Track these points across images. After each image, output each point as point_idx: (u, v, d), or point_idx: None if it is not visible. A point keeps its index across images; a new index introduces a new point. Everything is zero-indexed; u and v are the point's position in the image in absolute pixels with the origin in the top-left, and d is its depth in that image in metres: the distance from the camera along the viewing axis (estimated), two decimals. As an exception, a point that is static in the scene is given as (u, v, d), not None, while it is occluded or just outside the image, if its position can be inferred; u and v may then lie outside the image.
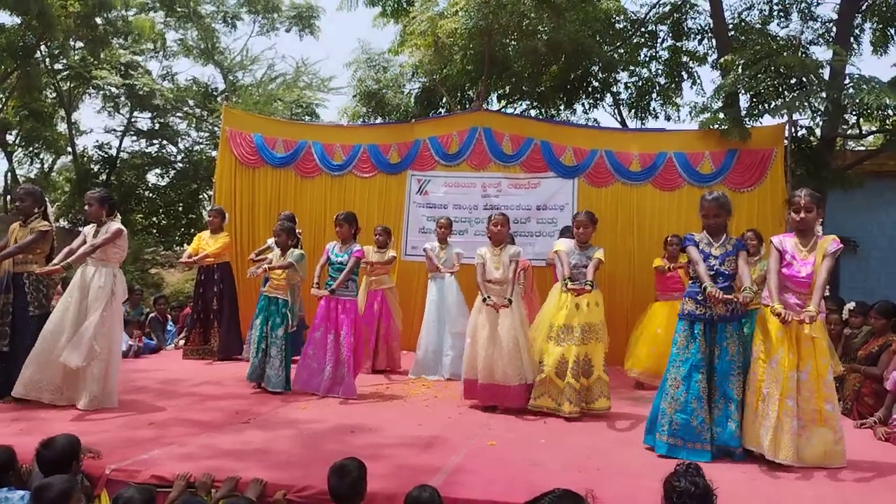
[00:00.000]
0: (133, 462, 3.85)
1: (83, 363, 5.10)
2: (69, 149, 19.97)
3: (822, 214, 4.33)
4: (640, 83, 12.81)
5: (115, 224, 5.42)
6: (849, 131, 10.68)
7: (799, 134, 9.30)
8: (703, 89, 12.57)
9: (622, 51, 12.32)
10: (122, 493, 3.10)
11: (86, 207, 5.51)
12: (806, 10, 11.04)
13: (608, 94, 12.96)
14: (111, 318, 5.32)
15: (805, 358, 4.15)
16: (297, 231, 6.49)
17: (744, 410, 4.35)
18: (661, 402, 4.44)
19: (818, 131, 9.69)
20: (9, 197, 21.29)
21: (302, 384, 6.17)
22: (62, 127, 20.20)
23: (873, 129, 11.45)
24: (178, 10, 18.28)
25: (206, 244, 8.01)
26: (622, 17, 12.34)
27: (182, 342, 8.91)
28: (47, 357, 5.13)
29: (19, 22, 15.59)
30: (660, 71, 12.72)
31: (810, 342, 4.15)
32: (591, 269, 5.40)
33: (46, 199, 5.77)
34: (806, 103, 8.48)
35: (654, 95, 12.90)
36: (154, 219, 20.10)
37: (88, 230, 5.51)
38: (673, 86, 12.65)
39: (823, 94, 8.37)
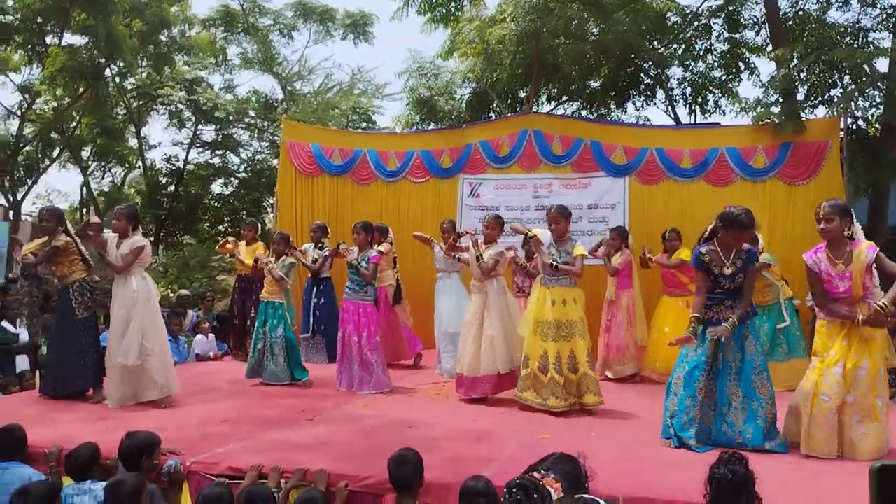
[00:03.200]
0: (210, 455, 4.16)
1: (138, 360, 5.64)
2: (139, 162, 21.00)
3: (848, 223, 4.28)
4: (694, 78, 12.70)
5: (140, 240, 5.91)
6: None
7: (856, 125, 9.12)
8: (761, 80, 12.36)
9: (675, 46, 12.25)
10: (209, 492, 3.40)
11: (114, 221, 5.97)
12: (865, -4, 10.78)
13: (660, 91, 12.90)
14: (153, 316, 5.88)
15: (861, 355, 4.20)
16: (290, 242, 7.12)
17: (796, 416, 4.39)
18: (666, 401, 4.60)
19: (875, 121, 9.48)
20: (84, 209, 22.55)
21: (346, 385, 6.55)
22: (132, 142, 21.27)
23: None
24: (238, 25, 18.99)
25: (241, 253, 8.48)
26: (674, 11, 12.26)
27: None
28: (112, 366, 5.75)
29: (86, 42, 16.51)
30: (715, 64, 12.58)
31: (865, 340, 4.20)
32: (578, 263, 5.50)
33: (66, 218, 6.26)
34: (861, 96, 8.34)
35: (710, 89, 12.77)
36: (220, 227, 20.90)
37: (111, 238, 5.96)
38: (731, 78, 12.51)
39: (880, 84, 8.21)
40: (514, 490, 2.12)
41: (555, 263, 5.46)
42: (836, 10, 10.99)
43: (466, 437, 4.74)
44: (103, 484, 3.66)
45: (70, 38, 17.14)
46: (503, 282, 6.16)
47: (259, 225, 8.79)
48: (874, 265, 4.24)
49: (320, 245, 8.10)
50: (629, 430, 5.05)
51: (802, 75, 8.75)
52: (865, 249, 4.25)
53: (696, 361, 4.49)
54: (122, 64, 17.76)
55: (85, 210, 22.60)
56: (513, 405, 5.91)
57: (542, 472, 2.18)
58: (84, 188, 21.63)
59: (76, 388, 5.89)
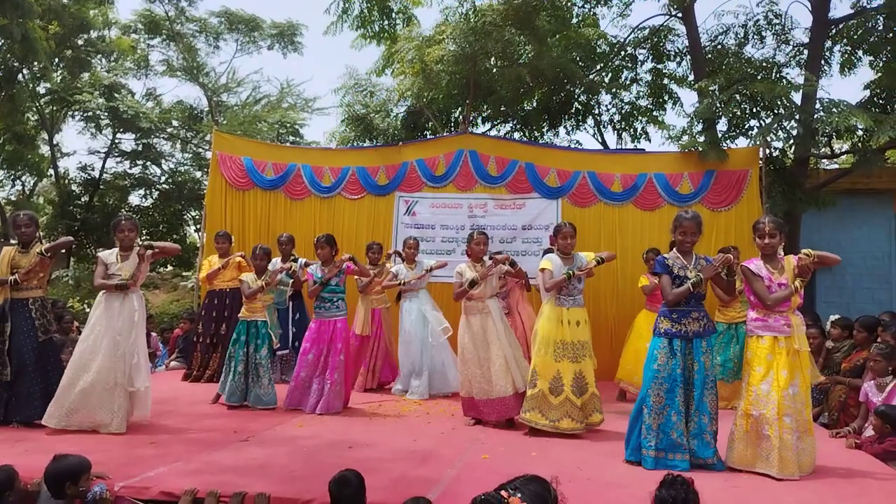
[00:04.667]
0: (140, 479, 3.97)
1: (147, 383, 5.41)
2: (51, 171, 19.98)
3: (784, 239, 4.58)
4: (622, 105, 13.16)
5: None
6: (822, 150, 11.06)
7: (773, 155, 9.64)
8: (684, 110, 12.93)
9: (603, 74, 12.67)
10: None
11: (121, 234, 5.62)
12: (779, 34, 11.46)
13: (590, 117, 13.28)
14: (143, 337, 5.66)
15: (793, 372, 4.40)
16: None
17: (734, 433, 4.54)
18: (644, 419, 4.59)
19: (791, 152, 10.06)
20: (-7, 220, 21.25)
21: (294, 403, 6.36)
22: (44, 149, 20.23)
23: (845, 148, 11.91)
24: (162, 31, 18.43)
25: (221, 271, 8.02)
26: (603, 41, 12.69)
27: (173, 363, 9.01)
28: (79, 384, 5.27)
29: (0, 45, 15.67)
30: (641, 93, 13.08)
31: (796, 356, 4.42)
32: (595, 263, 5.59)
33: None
34: (779, 128, 8.85)
35: (637, 116, 13.24)
36: (137, 240, 20.02)
37: (108, 256, 5.62)
38: (655, 107, 13.01)
39: (797, 117, 8.72)
40: None
41: (571, 272, 5.45)
42: (752, 46, 11.66)
43: (408, 457, 4.70)
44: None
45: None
46: (498, 300, 6.10)
47: (231, 237, 8.32)
48: None
49: (293, 258, 7.83)
50: (568, 449, 5.09)
51: (723, 106, 9.17)
52: (790, 258, 4.57)
53: (674, 375, 4.56)
54: (36, 67, 16.92)
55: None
56: (451, 424, 5.91)
57: (511, 491, 2.18)
58: (-10, 197, 20.43)
59: (26, 418, 5.36)
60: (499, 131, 13.41)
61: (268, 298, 6.67)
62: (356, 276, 6.89)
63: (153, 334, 9.42)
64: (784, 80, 10.75)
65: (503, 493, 2.21)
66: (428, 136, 12.27)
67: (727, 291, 5.02)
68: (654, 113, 12.99)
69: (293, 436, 5.32)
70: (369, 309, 7.51)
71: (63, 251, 17.51)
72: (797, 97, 9.43)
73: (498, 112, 12.56)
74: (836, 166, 12.07)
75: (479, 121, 13.33)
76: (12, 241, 5.78)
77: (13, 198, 21.28)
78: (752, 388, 4.46)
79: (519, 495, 2.19)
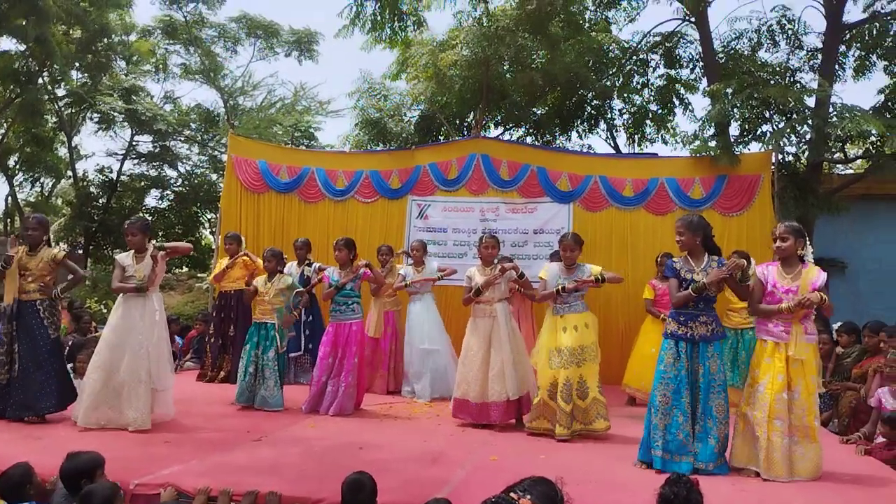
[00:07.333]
0: (155, 477, 4.03)
1: (170, 383, 5.62)
2: (69, 172, 20.24)
3: (802, 244, 4.52)
4: (633, 110, 13.17)
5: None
6: (835, 156, 11.03)
7: (785, 160, 9.63)
8: (694, 116, 12.96)
9: (615, 79, 12.70)
10: None
11: (128, 238, 5.72)
12: (793, 39, 11.45)
13: (602, 121, 13.31)
14: (165, 335, 5.80)
15: (795, 378, 4.40)
16: (284, 257, 7.01)
17: (734, 432, 4.59)
18: (651, 418, 4.65)
19: (804, 157, 10.04)
20: (9, 220, 21.55)
21: (313, 407, 6.40)
22: (63, 151, 20.51)
23: (858, 153, 11.86)
24: (181, 36, 18.60)
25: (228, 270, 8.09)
26: (615, 45, 12.72)
27: (187, 364, 9.12)
28: (107, 384, 5.41)
29: (22, 49, 15.91)
30: (652, 98, 13.09)
31: (799, 363, 4.40)
32: (593, 281, 5.55)
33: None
34: (791, 133, 8.85)
35: (647, 122, 13.25)
36: (153, 242, 20.16)
37: (124, 258, 5.74)
38: (665, 112, 13.02)
39: (809, 122, 8.71)
40: None
41: (560, 287, 5.47)
42: (766, 51, 11.65)
43: (419, 458, 4.74)
44: (40, 507, 3.54)
45: (4, 44, 16.52)
46: (507, 305, 6.11)
47: (241, 238, 8.33)
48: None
49: (308, 262, 7.92)
50: (577, 452, 5.12)
51: (736, 111, 9.19)
52: (816, 271, 4.51)
53: (681, 377, 4.59)
54: (55, 70, 17.14)
55: (10, 221, 21.62)
56: (461, 427, 5.95)
57: (520, 493, 2.22)
58: (9, 198, 20.71)
59: (40, 411, 5.51)
60: (511, 135, 13.48)
61: (277, 301, 6.70)
62: (370, 282, 6.95)
63: (177, 338, 9.51)
64: (797, 85, 10.74)
65: (513, 494, 2.24)
66: (441, 141, 12.34)
67: (740, 296, 5.02)
68: (665, 118, 12.98)
69: (305, 436, 5.37)
70: (382, 311, 7.62)
71: (80, 252, 17.83)
72: (810, 102, 9.44)
73: (510, 116, 12.64)
74: (851, 171, 12.02)
75: (492, 125, 13.40)
76: None
77: (32, 199, 21.58)
78: (750, 388, 4.53)
79: (529, 497, 2.22)
